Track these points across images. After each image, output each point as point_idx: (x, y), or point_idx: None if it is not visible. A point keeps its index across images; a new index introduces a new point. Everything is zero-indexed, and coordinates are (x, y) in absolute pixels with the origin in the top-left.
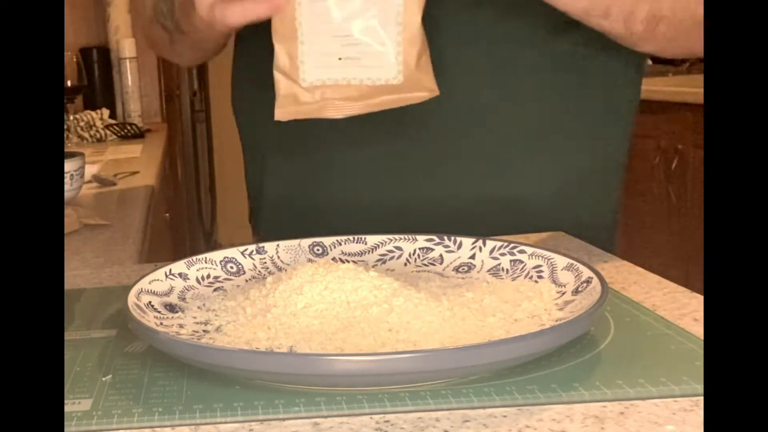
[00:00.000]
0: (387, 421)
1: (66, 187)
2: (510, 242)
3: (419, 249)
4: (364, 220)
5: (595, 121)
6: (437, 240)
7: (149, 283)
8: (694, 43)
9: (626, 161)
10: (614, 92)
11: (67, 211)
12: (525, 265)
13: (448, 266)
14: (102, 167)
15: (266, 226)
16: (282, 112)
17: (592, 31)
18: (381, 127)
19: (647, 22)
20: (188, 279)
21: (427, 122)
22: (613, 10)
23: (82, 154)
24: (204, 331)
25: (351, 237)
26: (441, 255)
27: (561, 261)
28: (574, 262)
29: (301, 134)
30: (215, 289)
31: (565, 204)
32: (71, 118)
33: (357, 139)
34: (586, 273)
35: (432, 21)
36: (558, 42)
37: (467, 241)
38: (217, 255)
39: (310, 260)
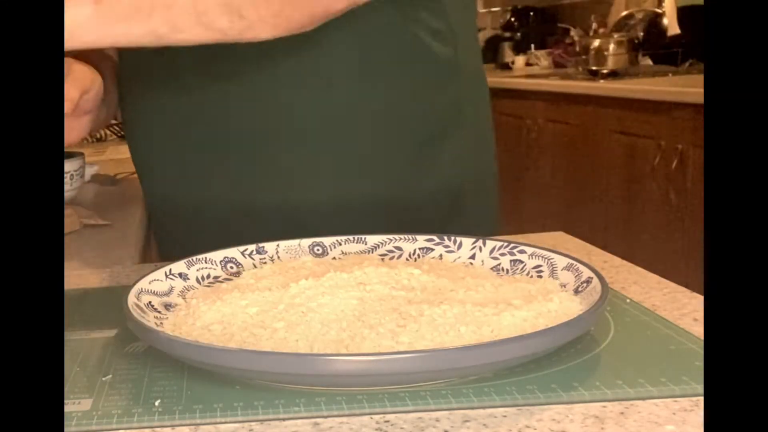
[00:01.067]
0: (387, 421)
1: (66, 187)
2: (510, 242)
3: (419, 249)
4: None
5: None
6: (437, 240)
7: (149, 283)
8: (306, 7)
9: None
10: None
11: (67, 211)
12: (525, 265)
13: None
14: (102, 167)
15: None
16: None
17: None
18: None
19: (225, 11)
20: (188, 279)
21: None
22: (178, 19)
23: (82, 154)
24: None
25: (351, 237)
26: (441, 255)
27: (561, 261)
28: (574, 262)
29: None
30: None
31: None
32: None
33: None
34: (586, 273)
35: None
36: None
37: (467, 241)
38: (217, 255)
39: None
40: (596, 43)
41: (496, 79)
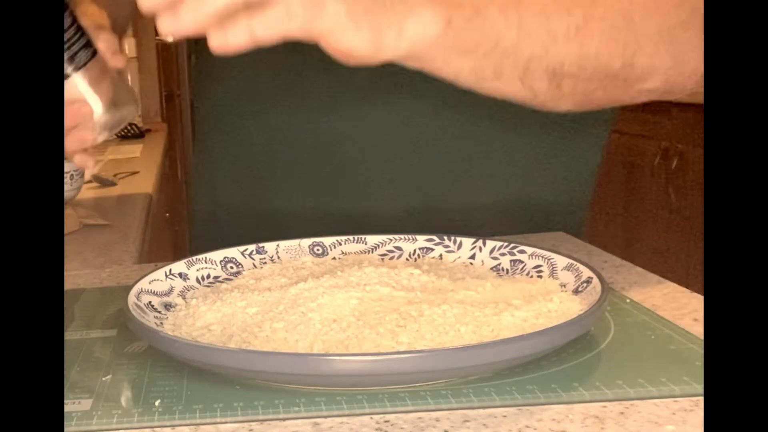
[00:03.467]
0: (387, 421)
1: (66, 187)
2: (510, 242)
3: (419, 249)
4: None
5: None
6: (437, 240)
7: (149, 283)
8: (613, 95)
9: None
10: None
11: (67, 211)
12: (525, 265)
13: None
14: (102, 167)
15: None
16: None
17: None
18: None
19: (548, 78)
20: (188, 279)
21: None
22: (505, 68)
23: None
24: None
25: (351, 237)
26: (441, 255)
27: (561, 261)
28: (574, 262)
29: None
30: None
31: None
32: None
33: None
34: (586, 273)
35: None
36: None
37: (467, 241)
38: (217, 255)
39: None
40: None
41: None
